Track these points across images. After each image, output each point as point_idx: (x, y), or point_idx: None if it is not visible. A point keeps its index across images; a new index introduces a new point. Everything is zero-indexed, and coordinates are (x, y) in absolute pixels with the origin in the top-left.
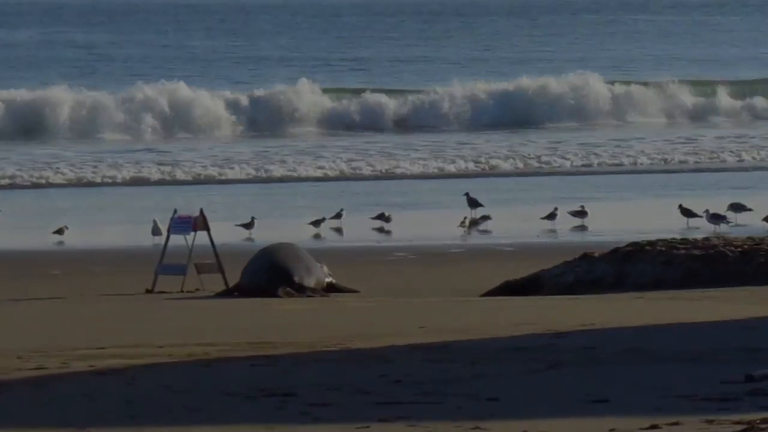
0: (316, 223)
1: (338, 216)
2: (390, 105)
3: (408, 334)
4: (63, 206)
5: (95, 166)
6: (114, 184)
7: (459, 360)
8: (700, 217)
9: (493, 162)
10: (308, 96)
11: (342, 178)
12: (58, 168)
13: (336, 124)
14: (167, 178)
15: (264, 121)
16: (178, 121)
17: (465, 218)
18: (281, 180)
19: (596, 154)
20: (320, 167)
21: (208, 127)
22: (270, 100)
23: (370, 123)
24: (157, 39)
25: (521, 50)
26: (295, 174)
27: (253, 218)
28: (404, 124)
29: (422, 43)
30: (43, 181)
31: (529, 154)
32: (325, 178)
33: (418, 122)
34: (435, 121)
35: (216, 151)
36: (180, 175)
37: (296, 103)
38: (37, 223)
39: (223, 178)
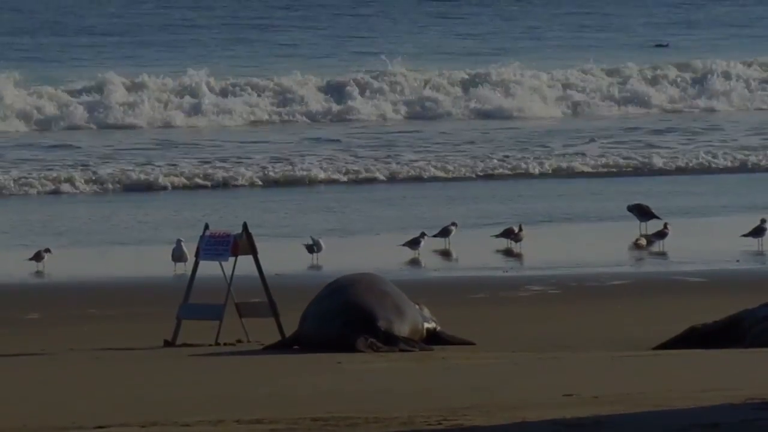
0: (413, 244)
1: (445, 232)
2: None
3: (548, 405)
4: (41, 219)
5: (86, 165)
6: (107, 191)
7: None
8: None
9: (661, 155)
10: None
11: (442, 178)
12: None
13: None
14: (199, 180)
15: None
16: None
17: (641, 236)
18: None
19: None
20: (413, 162)
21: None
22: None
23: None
24: None
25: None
26: (375, 173)
27: (313, 239)
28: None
29: None
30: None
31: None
32: (417, 178)
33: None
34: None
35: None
36: (216, 177)
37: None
38: (4, 245)
39: (266, 179)
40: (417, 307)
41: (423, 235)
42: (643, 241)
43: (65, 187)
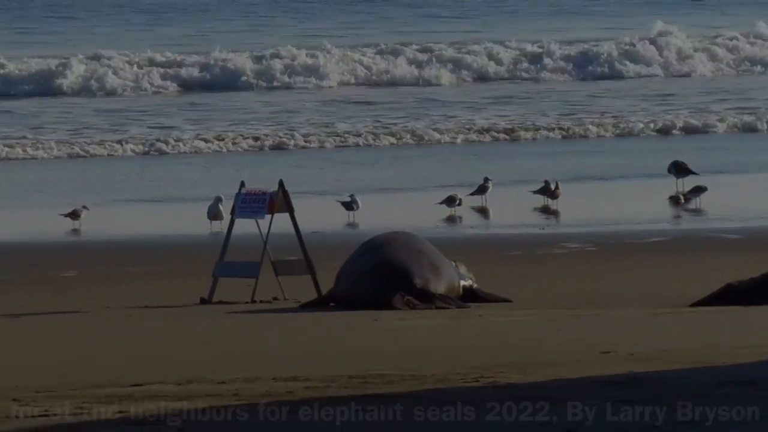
0: (450, 202)
1: (482, 190)
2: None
3: (584, 362)
4: (77, 178)
5: (121, 126)
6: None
7: (659, 400)
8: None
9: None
10: None
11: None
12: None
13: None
14: (230, 145)
15: None
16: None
17: (678, 193)
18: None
19: None
20: (453, 125)
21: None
22: None
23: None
24: None
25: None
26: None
27: (352, 196)
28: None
29: None
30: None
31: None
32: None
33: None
34: None
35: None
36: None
37: None
38: (40, 203)
39: (304, 141)
40: (454, 264)
41: (460, 201)
42: (681, 200)
43: (97, 149)
